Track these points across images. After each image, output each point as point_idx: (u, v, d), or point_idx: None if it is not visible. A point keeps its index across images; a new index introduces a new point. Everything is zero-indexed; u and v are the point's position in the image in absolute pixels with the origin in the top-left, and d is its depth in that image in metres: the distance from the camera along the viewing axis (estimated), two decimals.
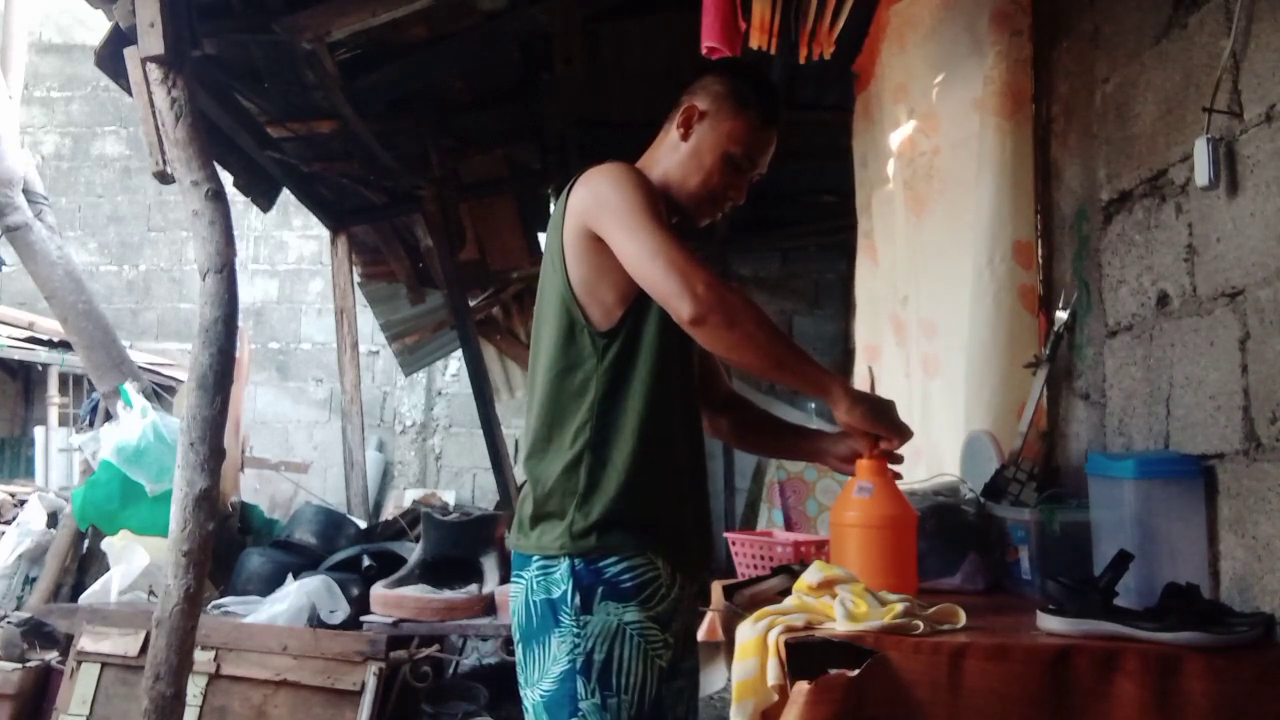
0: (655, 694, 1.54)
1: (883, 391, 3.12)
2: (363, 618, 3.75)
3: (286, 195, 5.35)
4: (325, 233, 6.25)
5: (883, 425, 1.63)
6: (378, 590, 3.80)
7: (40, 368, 7.52)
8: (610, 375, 1.58)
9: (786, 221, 6.04)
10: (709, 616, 2.06)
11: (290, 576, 4.02)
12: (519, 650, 1.61)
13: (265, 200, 5.13)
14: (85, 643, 3.67)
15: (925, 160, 2.77)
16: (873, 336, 3.25)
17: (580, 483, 1.57)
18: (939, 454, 2.54)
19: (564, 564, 1.54)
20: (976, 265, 2.41)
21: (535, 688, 1.57)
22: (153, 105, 3.01)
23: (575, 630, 1.53)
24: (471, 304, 5.91)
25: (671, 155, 1.71)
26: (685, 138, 1.70)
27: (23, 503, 5.14)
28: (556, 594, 1.55)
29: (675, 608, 1.60)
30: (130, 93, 3.21)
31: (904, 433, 1.65)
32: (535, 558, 1.58)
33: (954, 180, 2.63)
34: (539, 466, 1.61)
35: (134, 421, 4.55)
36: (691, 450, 1.69)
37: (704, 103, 1.70)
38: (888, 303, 3.09)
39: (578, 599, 1.53)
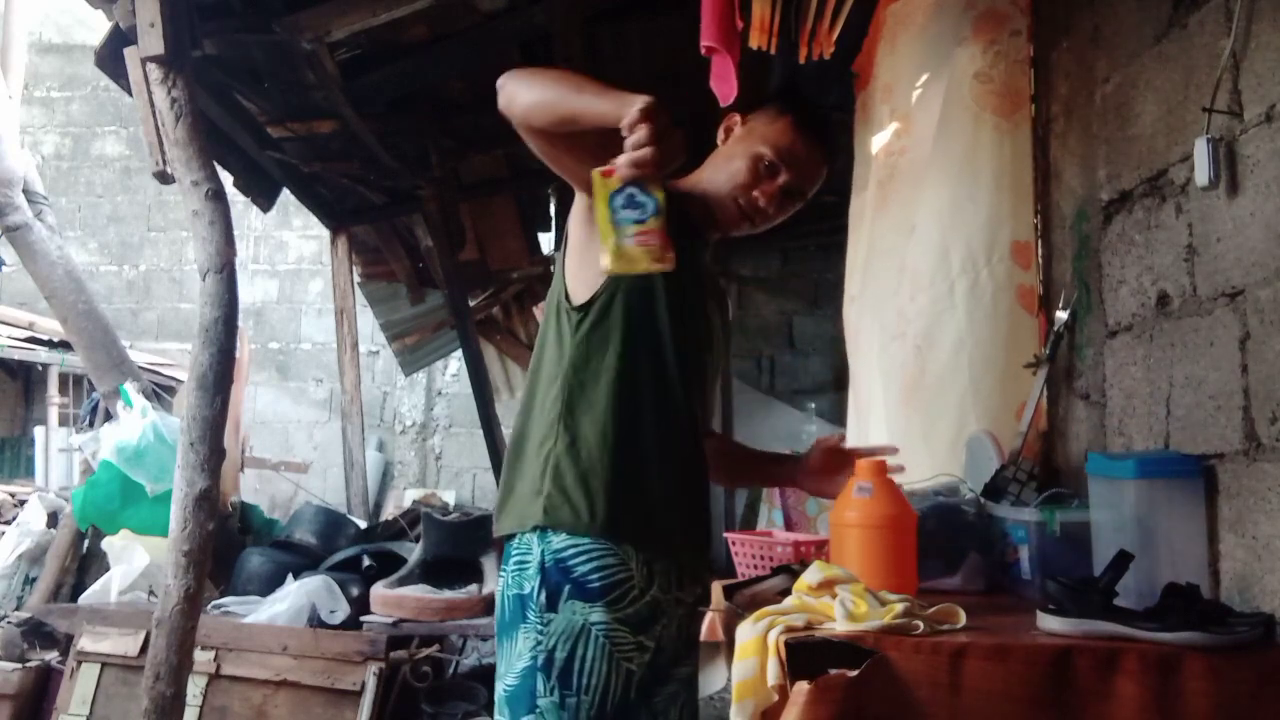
0: (619, 698, 1.52)
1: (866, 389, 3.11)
2: (363, 618, 3.75)
3: (286, 195, 5.34)
4: (325, 233, 6.25)
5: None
6: (378, 590, 3.81)
7: (40, 368, 7.51)
8: (581, 350, 1.60)
9: (786, 221, 6.04)
10: (709, 616, 2.06)
11: (290, 576, 4.02)
12: (496, 642, 1.63)
13: (265, 200, 5.13)
14: (85, 643, 3.67)
15: (892, 161, 2.79)
16: (855, 337, 3.25)
17: (554, 458, 1.58)
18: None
19: (534, 561, 1.55)
20: (971, 264, 2.40)
21: (502, 680, 1.59)
22: (153, 105, 3.02)
23: (539, 627, 1.53)
24: (471, 304, 5.92)
25: (711, 162, 1.76)
26: (724, 143, 1.76)
27: (23, 503, 5.14)
28: (526, 590, 1.56)
29: (653, 611, 1.57)
30: (130, 93, 3.22)
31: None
32: (513, 554, 1.59)
33: (909, 180, 2.64)
34: (515, 448, 1.65)
35: (134, 421, 4.55)
36: (672, 443, 1.64)
37: (748, 118, 1.75)
38: (853, 304, 3.10)
39: (543, 596, 1.53)
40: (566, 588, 1.53)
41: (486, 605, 3.81)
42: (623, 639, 1.54)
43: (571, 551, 1.54)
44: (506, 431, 5.50)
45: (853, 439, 3.06)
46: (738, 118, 1.75)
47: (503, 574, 1.62)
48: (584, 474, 1.56)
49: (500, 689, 1.59)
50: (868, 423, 2.84)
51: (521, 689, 1.54)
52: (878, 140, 2.95)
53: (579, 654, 1.52)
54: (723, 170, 1.71)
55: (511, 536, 1.61)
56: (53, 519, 4.78)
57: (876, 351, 2.77)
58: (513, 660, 1.56)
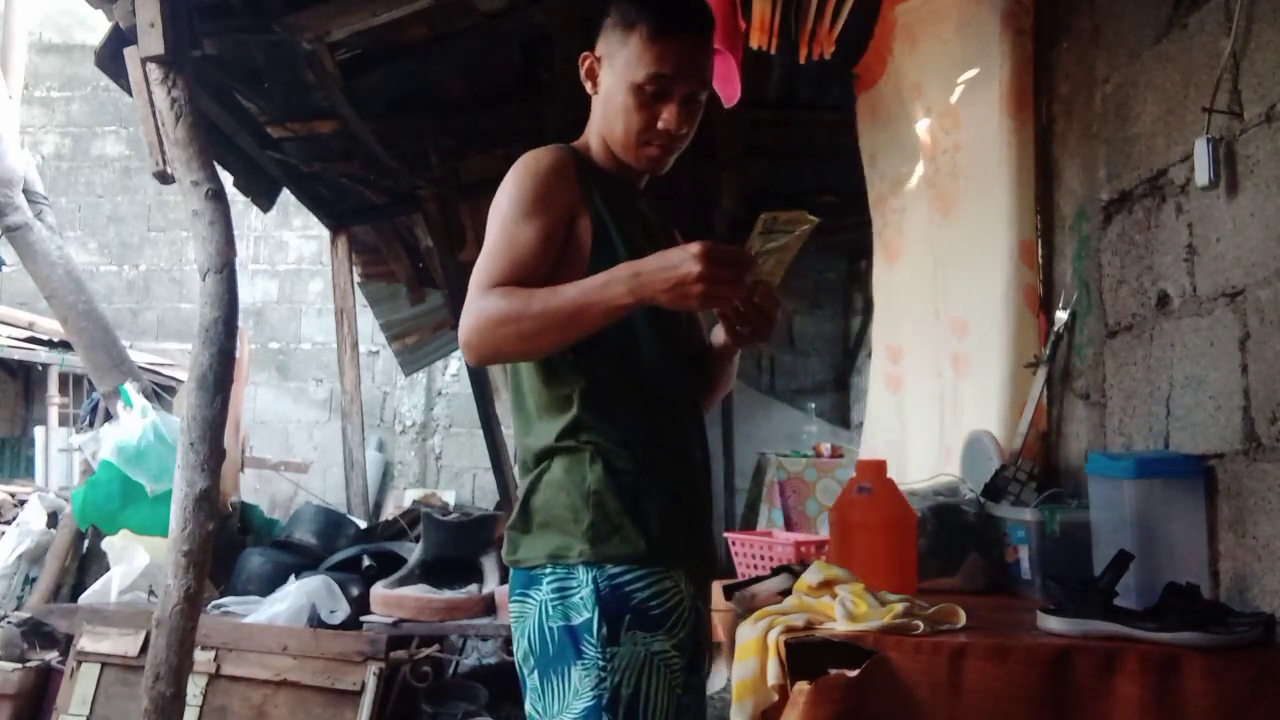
0: None
1: (909, 391, 3.05)
2: (363, 618, 3.74)
3: (286, 195, 5.35)
4: (325, 233, 6.25)
5: (664, 277, 1.31)
6: (378, 590, 3.80)
7: (40, 368, 7.51)
8: (584, 374, 1.48)
9: None
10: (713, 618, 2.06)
11: (290, 576, 4.02)
12: (532, 676, 1.47)
13: (265, 200, 5.13)
14: (85, 643, 3.67)
15: (948, 158, 2.71)
16: (893, 335, 3.18)
17: (590, 484, 1.45)
18: None
19: (587, 588, 1.42)
20: (989, 263, 2.39)
21: (553, 719, 1.44)
22: (153, 105, 3.01)
23: (601, 663, 1.39)
24: None
25: (595, 113, 1.58)
26: (595, 90, 1.56)
27: (23, 503, 5.13)
28: (578, 620, 1.41)
29: (695, 630, 1.49)
30: (130, 93, 3.21)
31: (700, 258, 1.29)
32: (547, 577, 1.45)
33: (977, 176, 2.59)
34: (530, 475, 1.51)
35: (134, 421, 4.55)
36: (692, 444, 1.58)
37: (599, 48, 1.54)
38: (911, 301, 3.03)
39: (604, 629, 1.40)
40: (627, 617, 1.41)
41: (486, 605, 3.81)
42: (676, 663, 1.44)
43: (629, 577, 1.42)
44: (507, 431, 5.54)
45: (886, 443, 3.03)
46: (592, 56, 1.54)
47: (528, 601, 1.47)
48: (630, 499, 1.45)
49: None
50: (947, 425, 2.78)
51: None
52: (913, 137, 2.91)
53: (643, 688, 1.40)
54: (614, 119, 1.52)
55: (538, 565, 1.47)
56: (53, 519, 4.78)
57: (979, 352, 2.68)
58: (568, 699, 1.41)
